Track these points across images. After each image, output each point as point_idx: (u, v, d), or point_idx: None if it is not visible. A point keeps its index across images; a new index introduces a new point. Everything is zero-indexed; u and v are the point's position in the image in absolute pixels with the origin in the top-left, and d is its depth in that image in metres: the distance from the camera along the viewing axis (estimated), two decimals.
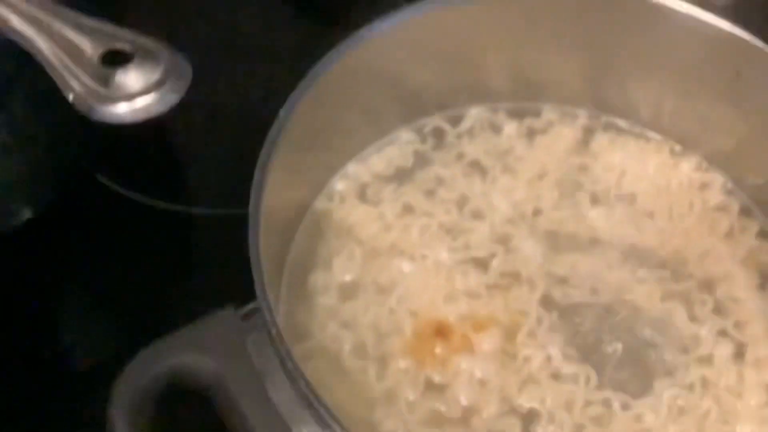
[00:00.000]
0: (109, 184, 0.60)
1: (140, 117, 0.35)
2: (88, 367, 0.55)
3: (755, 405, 0.47)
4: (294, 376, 0.36)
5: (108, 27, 0.39)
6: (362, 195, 0.54)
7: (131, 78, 0.37)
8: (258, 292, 0.38)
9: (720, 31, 0.51)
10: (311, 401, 0.36)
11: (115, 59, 0.38)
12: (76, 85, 0.36)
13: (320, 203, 0.54)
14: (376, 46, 0.51)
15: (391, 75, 0.53)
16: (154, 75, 0.37)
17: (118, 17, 0.41)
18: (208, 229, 0.59)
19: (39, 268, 0.57)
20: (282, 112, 0.45)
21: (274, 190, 0.46)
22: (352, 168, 0.55)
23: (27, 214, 0.56)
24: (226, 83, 0.64)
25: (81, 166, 0.59)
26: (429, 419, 0.45)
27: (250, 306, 0.40)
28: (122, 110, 0.36)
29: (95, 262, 0.58)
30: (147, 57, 0.37)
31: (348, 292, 0.49)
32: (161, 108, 0.36)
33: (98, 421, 0.38)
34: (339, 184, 0.54)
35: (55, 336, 0.56)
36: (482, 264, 0.51)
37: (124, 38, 0.38)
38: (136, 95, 0.35)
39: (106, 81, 0.37)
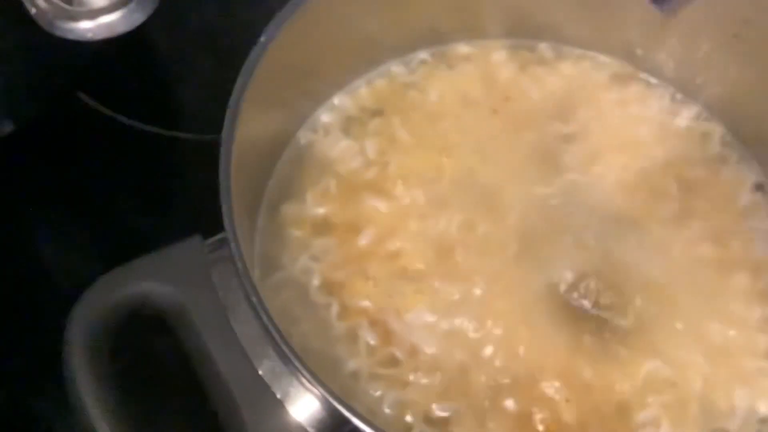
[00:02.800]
0: (91, 102, 0.58)
1: (103, 35, 0.34)
2: (62, 289, 0.54)
3: None
4: (257, 311, 0.36)
5: None
6: (347, 129, 0.53)
7: None
8: (226, 222, 0.37)
9: None
10: (274, 337, 0.35)
11: None
12: (40, 1, 0.34)
13: (303, 135, 0.52)
14: None
15: (385, 2, 0.51)
16: None
17: None
18: (189, 154, 0.58)
19: (16, 185, 0.56)
20: (263, 37, 0.43)
21: (254, 118, 0.44)
22: (339, 100, 0.53)
23: (6, 127, 0.55)
24: (214, 3, 0.62)
25: (62, 83, 0.58)
26: (388, 362, 0.44)
27: (218, 236, 0.39)
28: (84, 27, 0.34)
29: (74, 180, 0.57)
30: None
31: (320, 227, 0.48)
32: (125, 27, 0.34)
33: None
34: (324, 116, 0.53)
35: (29, 256, 0.56)
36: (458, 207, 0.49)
37: None
38: (100, 13, 0.34)
39: None
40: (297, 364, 0.35)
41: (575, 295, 0.47)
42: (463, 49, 0.55)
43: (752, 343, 0.47)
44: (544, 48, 0.55)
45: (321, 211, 0.49)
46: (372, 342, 0.45)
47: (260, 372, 0.36)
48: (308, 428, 0.36)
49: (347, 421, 0.34)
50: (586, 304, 0.47)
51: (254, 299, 0.36)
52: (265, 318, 0.35)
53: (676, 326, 0.47)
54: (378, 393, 0.44)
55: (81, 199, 0.57)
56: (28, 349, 0.51)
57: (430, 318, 0.46)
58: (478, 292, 0.47)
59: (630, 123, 0.54)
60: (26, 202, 0.57)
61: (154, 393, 0.44)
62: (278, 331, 0.36)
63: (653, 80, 0.55)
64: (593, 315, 0.47)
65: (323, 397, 0.34)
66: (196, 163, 0.58)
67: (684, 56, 0.53)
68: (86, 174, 0.57)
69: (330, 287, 0.47)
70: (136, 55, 0.59)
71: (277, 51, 0.45)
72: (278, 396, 0.36)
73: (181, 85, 0.62)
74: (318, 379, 0.35)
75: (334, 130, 0.52)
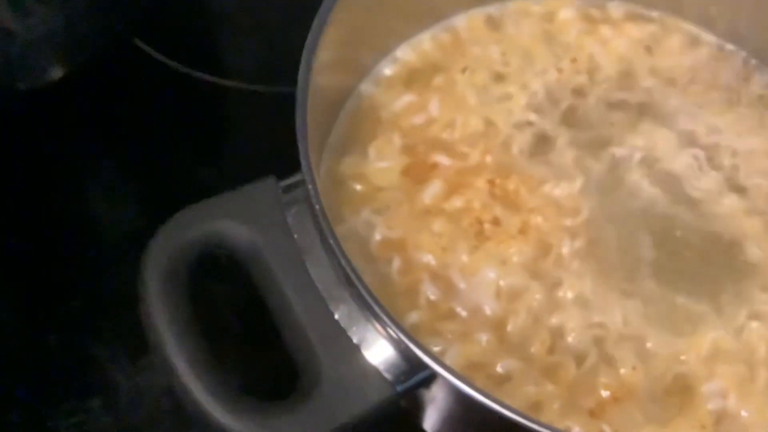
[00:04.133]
0: (147, 49, 0.58)
1: None
2: (115, 237, 0.54)
3: None
4: (335, 253, 0.35)
5: None
6: (409, 83, 0.51)
7: None
8: (303, 163, 0.36)
9: None
10: (352, 280, 0.34)
11: None
12: None
13: (366, 87, 0.51)
14: None
15: None
16: None
17: None
18: (245, 104, 0.57)
19: (69, 131, 0.56)
20: None
21: (321, 68, 0.43)
22: (402, 52, 0.52)
23: (59, 72, 0.54)
24: None
25: (119, 28, 0.57)
26: (449, 317, 0.44)
27: (293, 179, 0.38)
28: None
29: (128, 128, 0.56)
30: None
31: (383, 181, 0.47)
32: None
33: (125, 294, 0.37)
34: (387, 69, 0.52)
35: (83, 203, 0.55)
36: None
37: None
38: None
39: None
40: (375, 307, 0.34)
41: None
42: (530, 5, 0.54)
43: None
44: (613, 7, 0.54)
45: (383, 165, 0.48)
46: (433, 297, 0.45)
47: (336, 316, 0.36)
48: (384, 373, 0.35)
49: (423, 366, 0.34)
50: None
51: (332, 241, 0.35)
52: (343, 260, 0.35)
53: None
54: (438, 348, 0.43)
55: (133, 149, 0.56)
56: (82, 295, 0.50)
57: (493, 276, 0.45)
58: (549, 254, 0.46)
59: None
60: (77, 152, 0.56)
61: (226, 336, 0.43)
62: (356, 273, 0.35)
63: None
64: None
65: (400, 341, 0.34)
66: (248, 112, 0.58)
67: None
68: (138, 123, 0.57)
69: (392, 241, 0.46)
70: (194, 4, 0.58)
71: (345, 3, 0.44)
72: (354, 341, 0.35)
73: (236, 35, 0.61)
74: (396, 323, 0.34)
75: (396, 84, 0.51)
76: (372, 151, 0.49)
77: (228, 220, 0.37)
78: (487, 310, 0.45)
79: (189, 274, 0.36)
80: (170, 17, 0.58)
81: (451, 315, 0.44)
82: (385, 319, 0.34)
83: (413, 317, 0.44)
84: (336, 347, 0.35)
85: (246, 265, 0.37)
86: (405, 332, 0.34)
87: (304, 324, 0.35)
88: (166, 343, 0.33)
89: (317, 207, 0.35)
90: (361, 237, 0.46)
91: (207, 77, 0.57)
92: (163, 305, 0.34)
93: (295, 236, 0.37)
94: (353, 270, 0.35)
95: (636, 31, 0.54)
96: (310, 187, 0.36)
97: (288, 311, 0.35)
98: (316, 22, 0.41)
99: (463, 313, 0.44)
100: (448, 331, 0.44)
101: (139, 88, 0.58)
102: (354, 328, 0.36)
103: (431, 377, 0.35)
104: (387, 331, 0.35)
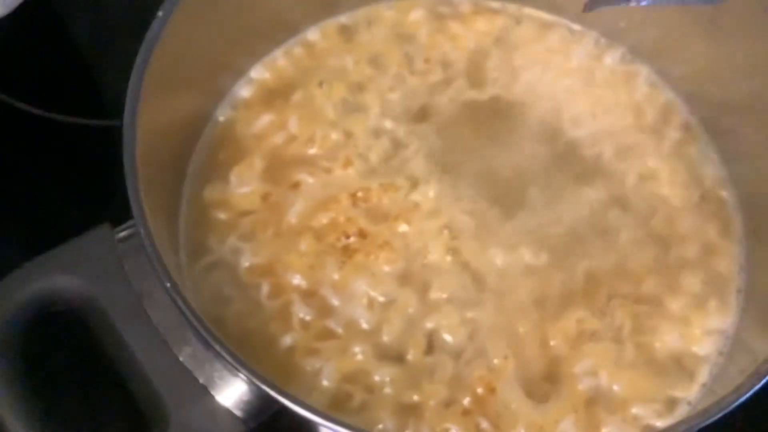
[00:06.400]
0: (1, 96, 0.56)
1: None
2: None
3: None
4: (172, 295, 0.35)
5: None
6: (268, 102, 0.51)
7: None
8: (133, 206, 0.36)
9: None
10: (191, 321, 0.34)
11: None
12: None
13: (223, 111, 0.51)
14: None
15: None
16: None
17: None
18: (104, 142, 0.56)
19: None
20: (161, 12, 0.41)
21: (162, 98, 0.43)
22: (257, 72, 0.52)
23: None
24: None
25: None
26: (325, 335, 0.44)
27: (128, 223, 0.38)
28: None
29: None
30: None
31: (246, 206, 0.47)
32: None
33: None
34: (243, 91, 0.52)
35: None
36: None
37: None
38: None
39: None
40: (217, 347, 0.34)
41: None
42: (382, 10, 0.54)
43: None
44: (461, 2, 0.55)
45: (246, 190, 0.48)
46: (307, 317, 0.45)
47: (181, 358, 0.35)
48: (235, 412, 0.35)
49: (275, 401, 0.34)
50: None
51: (168, 284, 0.35)
52: (180, 302, 0.34)
53: None
54: (315, 367, 0.44)
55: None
56: None
57: (364, 288, 0.46)
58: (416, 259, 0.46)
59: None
60: None
61: (69, 390, 0.43)
62: (195, 314, 0.35)
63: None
64: None
65: (248, 379, 0.34)
66: (100, 149, 0.56)
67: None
68: None
69: (260, 266, 0.46)
70: (40, 40, 0.56)
71: (181, 25, 0.43)
72: (201, 381, 0.35)
73: (95, 70, 0.60)
74: (240, 360, 0.34)
75: (254, 105, 0.51)
76: (233, 177, 0.49)
77: (60, 275, 0.36)
78: (363, 323, 0.45)
79: (26, 335, 0.36)
80: (10, 56, 0.56)
81: (327, 332, 0.45)
82: (230, 358, 0.34)
83: (287, 340, 0.44)
84: (182, 390, 0.35)
85: (84, 318, 0.36)
86: (251, 370, 0.34)
87: (147, 370, 0.35)
88: (1, 410, 0.32)
89: (149, 249, 0.35)
90: (229, 265, 0.46)
91: (54, 116, 0.55)
92: None
93: (132, 282, 0.36)
94: (191, 311, 0.35)
95: (484, 24, 0.54)
96: (141, 229, 0.35)
97: (131, 360, 0.35)
98: (138, 60, 0.40)
99: (339, 329, 0.45)
100: (325, 348, 0.44)
101: None
102: (201, 369, 0.35)
103: (284, 409, 0.34)
104: (234, 371, 0.35)
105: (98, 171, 0.56)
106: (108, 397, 0.41)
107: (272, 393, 0.34)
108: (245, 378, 0.34)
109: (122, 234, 0.38)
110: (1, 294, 0.35)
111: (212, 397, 0.35)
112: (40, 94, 0.57)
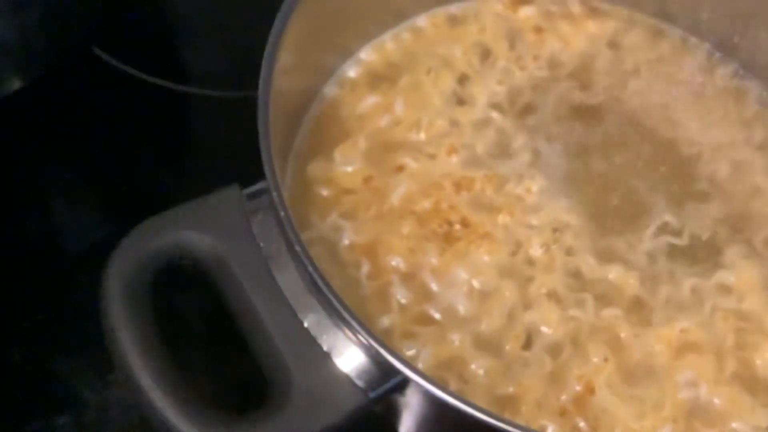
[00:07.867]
0: (106, 57, 0.57)
1: None
2: (78, 248, 0.53)
3: None
4: (302, 261, 0.34)
5: None
6: (374, 84, 0.51)
7: None
8: (266, 169, 0.36)
9: None
10: (319, 287, 0.34)
11: None
12: None
13: (330, 90, 0.51)
14: None
15: None
16: None
17: None
18: (207, 110, 0.56)
19: (29, 142, 0.55)
20: None
21: (283, 71, 0.43)
22: (366, 54, 0.52)
23: (17, 83, 0.53)
24: None
25: (77, 37, 0.56)
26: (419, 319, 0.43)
27: (257, 186, 0.37)
28: None
29: (89, 138, 0.55)
30: None
31: (349, 185, 0.47)
32: None
33: (90, 306, 0.36)
34: (351, 71, 0.52)
35: (43, 215, 0.54)
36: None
37: None
38: None
39: None
40: (345, 314, 0.33)
41: None
42: (492, 4, 0.54)
43: None
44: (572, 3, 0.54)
45: (349, 169, 0.48)
46: (404, 300, 0.44)
47: (305, 324, 0.35)
48: (356, 380, 0.35)
49: (395, 371, 0.33)
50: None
51: (298, 248, 0.34)
52: (310, 267, 0.34)
53: None
54: (412, 351, 0.43)
55: (94, 158, 0.55)
56: (45, 308, 0.49)
57: (465, 276, 0.45)
58: (518, 252, 0.46)
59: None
60: (37, 162, 0.55)
61: (193, 347, 0.43)
62: (324, 279, 0.34)
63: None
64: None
65: (371, 347, 0.33)
66: (211, 119, 0.57)
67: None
68: (99, 132, 0.55)
69: (360, 245, 0.46)
70: (152, 9, 0.57)
71: (308, 2, 0.44)
72: (324, 348, 0.35)
73: (196, 40, 0.60)
74: (366, 329, 0.33)
75: (360, 86, 0.51)
76: (337, 155, 0.48)
77: (192, 230, 0.36)
78: (461, 311, 0.44)
79: (153, 286, 0.35)
80: (129, 24, 0.57)
81: (424, 317, 0.44)
82: (355, 325, 0.34)
83: (385, 322, 0.44)
84: (306, 356, 0.34)
85: (211, 275, 0.36)
86: (375, 338, 0.34)
87: (272, 333, 0.34)
88: (131, 360, 0.32)
89: (282, 214, 0.35)
90: (329, 242, 0.46)
91: (167, 84, 0.56)
92: (126, 321, 0.33)
93: (261, 244, 0.36)
94: (320, 277, 0.34)
95: (595, 26, 0.54)
96: (274, 194, 0.35)
97: (256, 321, 0.35)
98: (276, 24, 0.41)
99: (437, 315, 0.44)
100: (422, 333, 0.44)
101: (98, 97, 0.56)
102: (324, 336, 0.35)
103: (404, 382, 0.34)
104: (357, 338, 0.35)
105: (187, 137, 0.57)
106: (229, 356, 0.40)
107: (393, 360, 0.33)
108: (367, 344, 0.34)
109: (250, 196, 0.38)
110: (133, 243, 0.35)
111: (334, 364, 0.35)
112: (139, 58, 0.57)
